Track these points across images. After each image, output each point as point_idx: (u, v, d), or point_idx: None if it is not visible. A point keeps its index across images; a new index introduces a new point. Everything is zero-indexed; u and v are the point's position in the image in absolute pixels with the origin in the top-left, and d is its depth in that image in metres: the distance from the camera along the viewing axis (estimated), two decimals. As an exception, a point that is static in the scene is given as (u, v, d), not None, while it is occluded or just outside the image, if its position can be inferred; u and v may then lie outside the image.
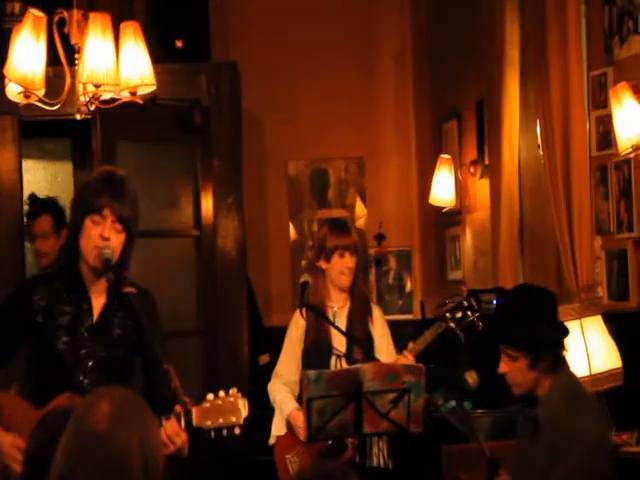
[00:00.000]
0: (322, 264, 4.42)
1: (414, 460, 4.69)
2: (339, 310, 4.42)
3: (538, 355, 3.27)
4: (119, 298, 3.20)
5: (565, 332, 3.37)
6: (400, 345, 4.40)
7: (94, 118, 5.39)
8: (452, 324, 4.27)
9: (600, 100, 4.78)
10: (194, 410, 2.99)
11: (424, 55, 7.10)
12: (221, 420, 2.99)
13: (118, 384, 3.06)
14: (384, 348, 4.38)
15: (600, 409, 3.36)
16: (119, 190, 3.17)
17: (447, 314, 4.30)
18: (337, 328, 4.29)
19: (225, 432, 2.99)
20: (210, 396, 3.00)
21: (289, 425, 4.34)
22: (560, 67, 4.84)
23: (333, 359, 4.33)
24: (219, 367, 5.92)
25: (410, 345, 4.25)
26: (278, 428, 4.41)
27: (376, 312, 4.48)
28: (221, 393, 3.00)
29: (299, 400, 4.30)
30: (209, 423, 2.98)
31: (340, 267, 4.38)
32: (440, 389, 4.81)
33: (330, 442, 4.19)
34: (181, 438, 3.00)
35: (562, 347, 3.35)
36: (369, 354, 4.28)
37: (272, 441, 4.43)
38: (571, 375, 3.40)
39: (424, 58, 7.10)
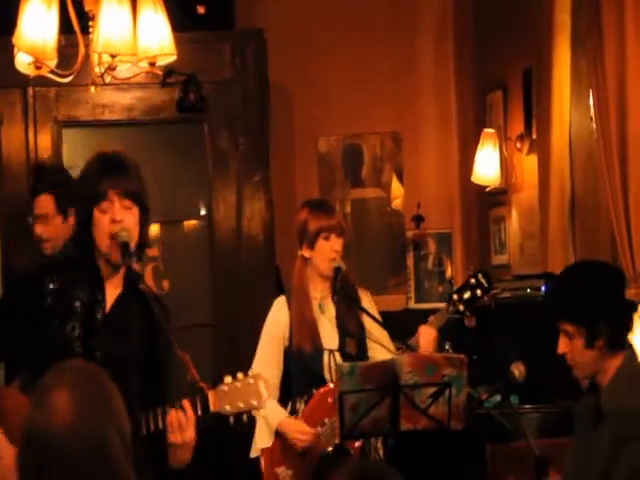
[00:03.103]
0: (305, 252, 4.30)
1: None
2: (324, 301, 4.33)
3: (595, 330, 3.25)
4: (135, 291, 3.20)
5: (632, 308, 3.34)
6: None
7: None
8: (461, 307, 4.21)
9: (659, 68, 4.74)
10: (211, 395, 2.97)
11: (467, 20, 7.06)
12: (241, 404, 2.97)
13: (125, 383, 3.09)
14: (375, 334, 4.32)
15: None
16: (118, 167, 3.17)
17: (454, 295, 4.24)
18: (370, 315, 4.27)
19: (245, 417, 2.97)
20: (228, 379, 2.98)
21: (278, 436, 4.25)
22: (615, 32, 4.80)
23: (325, 356, 4.27)
24: (239, 361, 5.94)
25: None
26: (264, 439, 4.29)
27: (364, 297, 4.40)
28: (239, 375, 2.99)
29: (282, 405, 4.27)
30: (228, 408, 2.96)
31: (326, 252, 4.24)
32: (484, 383, 4.81)
33: (330, 449, 4.17)
34: (189, 434, 2.96)
35: (624, 325, 3.32)
36: (363, 347, 4.27)
37: (255, 454, 4.32)
38: (636, 362, 3.38)
39: (467, 23, 7.06)
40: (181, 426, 2.96)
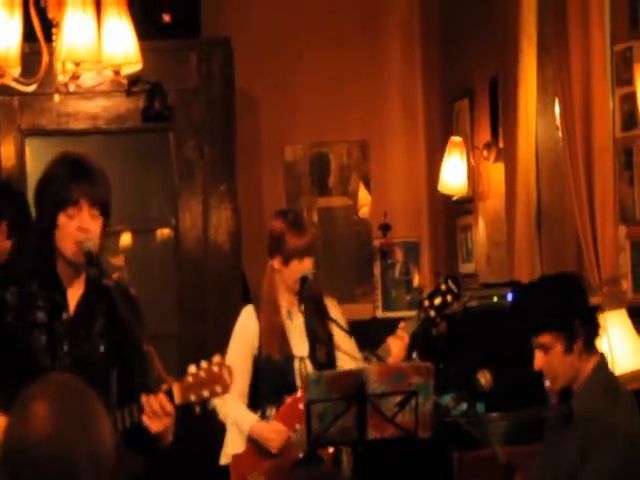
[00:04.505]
0: (277, 264, 4.32)
1: (422, 468, 4.72)
2: (292, 309, 4.36)
3: (573, 333, 3.33)
4: (98, 290, 3.19)
5: (597, 309, 3.47)
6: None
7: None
8: (432, 313, 4.25)
9: (625, 77, 4.80)
10: (175, 387, 2.98)
11: (433, 28, 7.10)
12: (206, 393, 2.97)
13: (98, 384, 3.09)
14: (342, 342, 4.33)
15: (635, 403, 3.44)
16: (86, 172, 3.13)
17: (425, 302, 4.28)
18: (337, 324, 4.30)
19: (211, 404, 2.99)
20: (192, 368, 2.99)
21: (250, 441, 4.24)
22: (581, 41, 4.85)
23: (296, 363, 4.30)
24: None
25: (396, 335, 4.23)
26: (235, 445, 4.28)
27: (330, 304, 4.43)
28: (203, 363, 2.99)
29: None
30: (193, 398, 2.97)
31: (298, 272, 4.28)
32: (450, 391, 4.83)
33: (301, 455, 4.17)
34: (163, 422, 2.98)
35: (596, 324, 3.41)
36: (332, 354, 4.30)
37: (225, 461, 4.31)
38: (606, 366, 3.46)
39: (434, 31, 7.10)
40: (154, 420, 2.98)
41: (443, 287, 4.25)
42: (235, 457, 4.28)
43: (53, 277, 3.18)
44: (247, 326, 4.37)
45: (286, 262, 4.30)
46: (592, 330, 3.41)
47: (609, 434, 3.26)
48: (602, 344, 3.48)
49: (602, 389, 3.37)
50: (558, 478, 3.36)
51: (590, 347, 3.39)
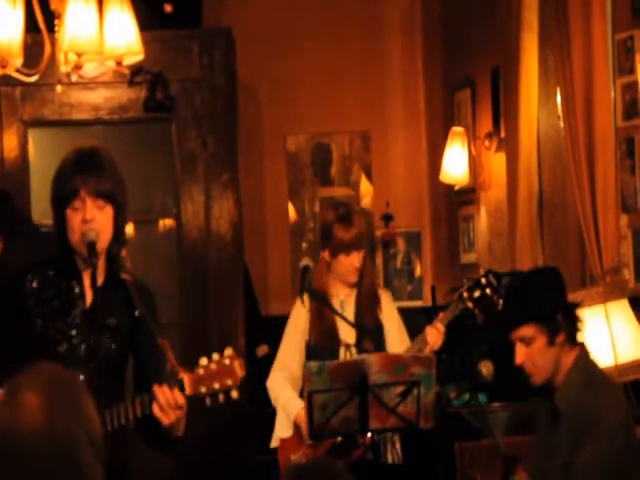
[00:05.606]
0: (326, 256, 4.46)
1: (426, 458, 4.73)
2: (346, 299, 4.47)
3: (556, 326, 3.35)
4: (115, 283, 3.20)
5: (578, 304, 3.47)
6: (410, 334, 4.44)
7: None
8: (470, 304, 4.29)
9: (626, 66, 4.78)
10: (186, 378, 2.98)
11: (435, 18, 7.09)
12: (217, 385, 2.98)
13: (112, 376, 3.11)
14: (394, 332, 4.44)
15: (622, 393, 3.45)
16: (91, 164, 3.14)
17: (464, 293, 4.31)
18: (343, 317, 4.33)
19: (222, 397, 2.98)
20: (203, 361, 2.99)
21: (296, 426, 4.34)
22: (582, 30, 4.83)
23: (342, 350, 4.39)
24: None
25: (440, 318, 4.30)
26: (283, 429, 4.41)
27: (384, 297, 4.55)
28: (215, 356, 2.99)
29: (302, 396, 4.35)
30: (204, 390, 2.98)
31: (346, 266, 4.42)
32: (452, 381, 4.83)
33: (340, 439, 4.22)
34: (175, 414, 2.98)
35: (577, 318, 3.43)
36: (380, 344, 4.35)
37: (275, 444, 4.44)
38: (589, 358, 3.46)
39: (435, 22, 7.09)
40: (166, 411, 2.98)
41: (483, 280, 4.32)
42: (282, 441, 4.39)
43: (72, 268, 3.19)
44: (299, 314, 4.48)
45: (334, 254, 4.42)
46: (574, 324, 3.41)
47: (596, 425, 3.26)
48: (584, 338, 3.49)
49: (584, 381, 3.38)
50: (551, 471, 3.36)
51: (572, 341, 3.40)
